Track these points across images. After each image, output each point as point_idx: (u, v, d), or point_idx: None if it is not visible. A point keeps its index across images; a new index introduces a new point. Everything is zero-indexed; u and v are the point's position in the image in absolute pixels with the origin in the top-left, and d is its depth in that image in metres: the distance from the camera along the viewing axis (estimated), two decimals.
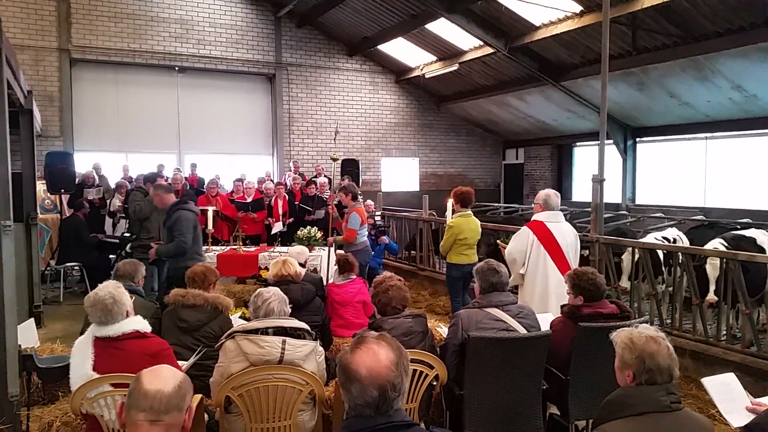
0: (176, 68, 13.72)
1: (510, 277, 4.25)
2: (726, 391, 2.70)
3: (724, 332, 5.77)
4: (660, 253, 6.67)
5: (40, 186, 9.43)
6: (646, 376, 2.16)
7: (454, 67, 13.84)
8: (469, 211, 6.40)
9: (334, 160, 7.33)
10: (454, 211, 6.50)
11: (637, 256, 6.42)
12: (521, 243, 4.99)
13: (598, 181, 6.46)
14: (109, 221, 10.16)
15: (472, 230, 6.36)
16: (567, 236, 5.01)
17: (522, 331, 3.56)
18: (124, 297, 3.06)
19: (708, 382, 2.78)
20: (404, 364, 1.78)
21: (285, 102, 14.84)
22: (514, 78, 13.72)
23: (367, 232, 7.70)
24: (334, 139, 6.76)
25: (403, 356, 1.79)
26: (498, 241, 7.52)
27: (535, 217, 5.09)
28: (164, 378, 1.75)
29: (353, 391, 1.71)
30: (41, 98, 11.87)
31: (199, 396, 3.36)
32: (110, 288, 3.03)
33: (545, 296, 4.86)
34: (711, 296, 5.48)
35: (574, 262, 4.94)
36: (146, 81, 13.64)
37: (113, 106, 13.40)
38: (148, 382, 1.73)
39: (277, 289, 3.50)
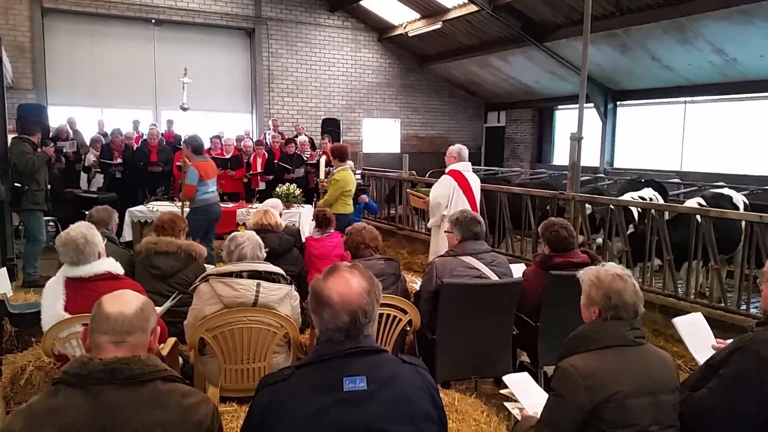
0: (153, 21, 13.32)
1: (435, 217, 5.79)
2: (694, 330, 2.81)
3: (694, 291, 5.92)
4: (634, 212, 6.77)
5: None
6: (612, 312, 2.20)
7: (438, 26, 13.64)
8: (347, 165, 7.02)
9: (184, 109, 7.50)
10: (330, 166, 7.02)
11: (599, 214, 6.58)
12: (445, 189, 5.77)
13: (576, 139, 6.51)
14: (84, 176, 9.98)
15: (354, 182, 7.08)
16: (475, 183, 5.95)
17: (494, 278, 3.61)
18: (96, 238, 3.03)
19: (678, 321, 2.88)
20: (376, 292, 1.79)
21: (264, 58, 14.52)
22: (498, 38, 13.58)
23: (213, 189, 7.01)
24: (183, 88, 7.05)
25: (375, 285, 1.81)
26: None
27: (452, 167, 5.87)
28: (125, 301, 1.74)
29: (324, 316, 1.72)
30: (11, 48, 11.47)
31: (173, 339, 3.38)
32: (82, 228, 3.00)
33: None
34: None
35: (478, 204, 5.98)
36: (122, 34, 13.22)
37: (88, 60, 12.99)
38: (110, 305, 1.72)
39: (252, 233, 3.49)
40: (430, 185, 6.72)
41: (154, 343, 1.77)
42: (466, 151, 5.96)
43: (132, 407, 1.59)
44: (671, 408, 2.14)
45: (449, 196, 5.71)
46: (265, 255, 3.44)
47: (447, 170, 5.92)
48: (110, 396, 1.59)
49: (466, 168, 5.88)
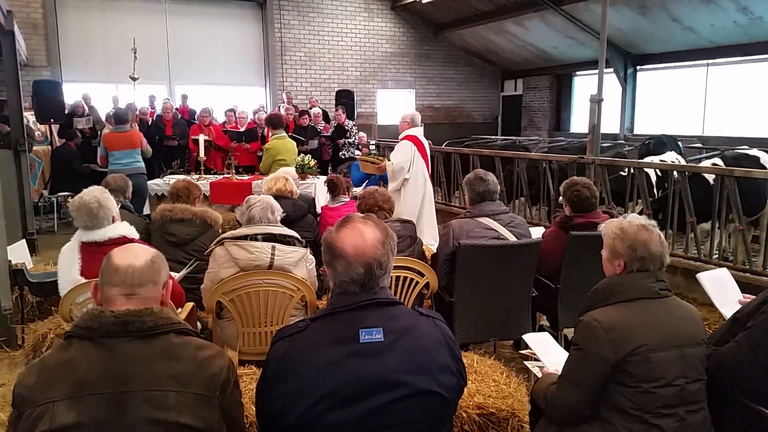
0: None
1: (397, 181, 6.07)
2: (720, 286, 2.73)
3: (716, 253, 5.78)
4: (653, 176, 6.60)
5: (30, 117, 9.26)
6: (638, 264, 2.12)
7: None
8: (283, 133, 7.17)
9: (134, 79, 7.49)
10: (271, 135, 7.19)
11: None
12: (407, 153, 6.09)
13: (596, 101, 6.35)
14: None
15: (289, 150, 7.17)
16: (427, 146, 6.35)
17: (512, 239, 3.54)
18: (109, 202, 3.01)
19: (703, 276, 2.80)
20: (391, 243, 1.73)
21: (277, 30, 14.35)
22: (514, 2, 13.26)
23: (128, 161, 7.08)
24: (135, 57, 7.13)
25: (390, 236, 1.75)
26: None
27: (408, 132, 6.21)
28: (135, 254, 1.71)
29: (339, 269, 1.67)
30: (24, 25, 11.45)
31: (191, 304, 3.37)
32: (95, 192, 2.99)
33: (425, 193, 6.19)
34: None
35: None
36: (133, 8, 13.14)
37: (101, 35, 12.92)
38: (119, 258, 1.68)
39: (268, 197, 3.43)
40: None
41: (167, 296, 1.74)
42: (419, 118, 6.38)
43: (145, 360, 1.56)
44: (698, 361, 2.08)
45: (410, 160, 6.07)
46: (278, 219, 3.39)
47: (403, 135, 6.25)
48: (123, 348, 1.56)
49: (420, 133, 6.26)
